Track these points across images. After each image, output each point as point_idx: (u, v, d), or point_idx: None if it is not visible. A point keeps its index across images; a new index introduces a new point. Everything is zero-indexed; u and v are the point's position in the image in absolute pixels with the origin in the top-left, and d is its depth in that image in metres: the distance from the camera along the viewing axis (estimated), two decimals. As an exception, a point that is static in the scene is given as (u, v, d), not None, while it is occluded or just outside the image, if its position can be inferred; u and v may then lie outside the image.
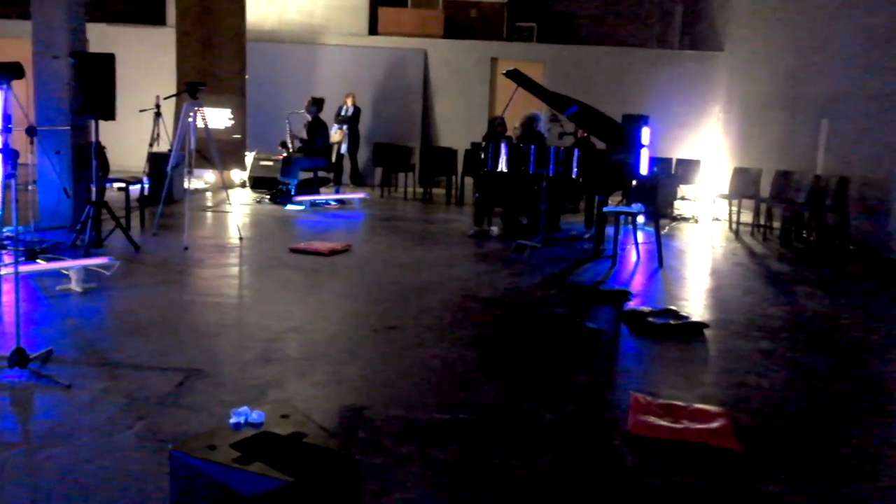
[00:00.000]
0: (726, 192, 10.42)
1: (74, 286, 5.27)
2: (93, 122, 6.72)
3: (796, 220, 9.14)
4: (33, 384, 3.53)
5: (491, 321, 5.13)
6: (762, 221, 9.62)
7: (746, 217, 10.04)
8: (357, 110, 12.89)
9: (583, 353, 4.46)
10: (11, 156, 3.67)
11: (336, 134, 12.60)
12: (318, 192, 11.01)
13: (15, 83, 4.40)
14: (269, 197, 10.92)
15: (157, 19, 14.24)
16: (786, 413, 3.67)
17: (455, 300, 5.59)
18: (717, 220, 10.42)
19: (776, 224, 9.57)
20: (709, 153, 13.52)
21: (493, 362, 4.25)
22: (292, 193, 10.59)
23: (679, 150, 13.10)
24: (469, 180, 11.70)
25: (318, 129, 10.97)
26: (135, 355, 4.02)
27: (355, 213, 10.24)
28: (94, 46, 9.08)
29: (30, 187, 7.59)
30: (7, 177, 3.77)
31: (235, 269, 6.49)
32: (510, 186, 8.57)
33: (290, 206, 10.32)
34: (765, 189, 9.98)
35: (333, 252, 7.06)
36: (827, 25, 9.92)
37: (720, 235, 9.50)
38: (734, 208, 9.97)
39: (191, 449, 2.16)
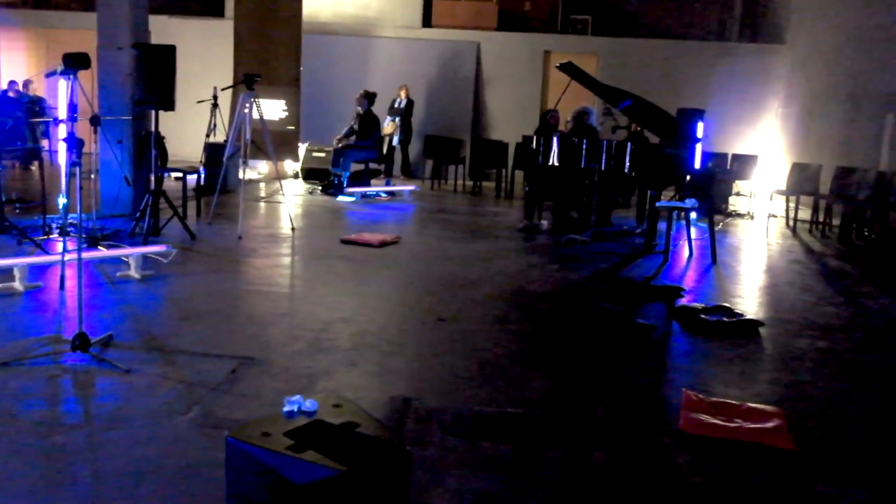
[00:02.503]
0: (783, 188, 10.18)
1: (133, 273, 5.41)
2: (153, 112, 6.88)
3: (857, 218, 8.88)
4: (94, 368, 3.64)
5: (540, 315, 5.11)
6: (821, 218, 9.37)
7: (804, 214, 9.79)
8: (410, 102, 12.93)
9: (633, 350, 4.42)
10: (76, 144, 3.77)
11: (388, 126, 12.67)
12: (369, 184, 11.09)
13: (80, 73, 4.54)
14: (320, 188, 11.03)
15: (217, 11, 14.48)
16: (843, 414, 3.58)
17: (504, 294, 5.59)
18: (773, 216, 10.18)
19: (835, 221, 9.31)
20: (766, 148, 13.21)
21: (543, 357, 4.24)
22: (344, 185, 10.69)
23: (736, 146, 12.81)
24: (519, 174, 11.64)
25: (369, 122, 11.05)
26: (190, 342, 4.11)
27: (405, 205, 10.29)
28: (156, 38, 9.28)
29: (92, 176, 7.79)
30: (71, 164, 3.88)
31: (287, 259, 6.58)
32: (561, 180, 8.51)
33: (341, 198, 10.41)
34: (824, 185, 9.72)
35: (383, 244, 7.11)
36: (894, 18, 9.58)
37: (776, 232, 9.29)
38: (791, 205, 9.73)
39: (246, 435, 2.20)
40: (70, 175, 4.33)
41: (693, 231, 7.74)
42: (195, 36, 13.54)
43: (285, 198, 9.41)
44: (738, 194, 11.42)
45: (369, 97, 11.08)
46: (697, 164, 7.65)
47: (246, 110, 7.63)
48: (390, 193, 10.89)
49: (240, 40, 12.14)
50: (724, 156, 11.61)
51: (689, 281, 6.37)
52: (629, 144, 7.65)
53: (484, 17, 14.21)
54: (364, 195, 10.60)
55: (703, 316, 4.92)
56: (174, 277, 5.54)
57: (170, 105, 6.78)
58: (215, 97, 10.26)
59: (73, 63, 4.41)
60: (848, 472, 2.96)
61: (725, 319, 4.89)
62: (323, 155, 11.97)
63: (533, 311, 5.22)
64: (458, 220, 9.12)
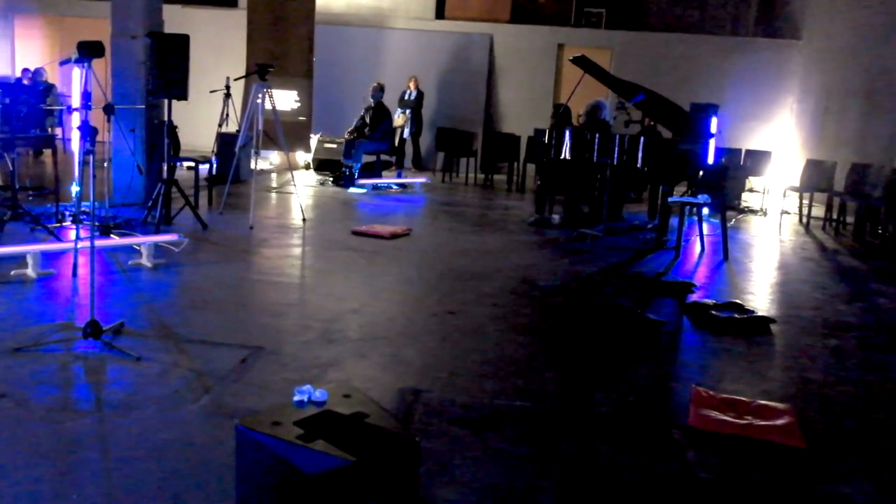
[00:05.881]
0: (797, 184, 10.11)
1: (145, 261, 5.44)
2: (166, 102, 6.89)
3: (872, 215, 8.82)
4: (105, 355, 3.66)
5: (550, 309, 5.10)
6: (835, 216, 9.30)
7: (818, 211, 9.73)
8: (420, 94, 12.90)
9: (643, 345, 4.41)
10: (90, 132, 3.78)
11: (399, 118, 12.66)
12: (380, 176, 11.09)
13: (94, 62, 4.55)
14: (332, 179, 11.04)
15: (230, 1, 14.48)
16: (855, 413, 3.56)
17: (514, 287, 5.58)
18: (786, 213, 10.12)
19: (849, 219, 9.24)
20: (780, 145, 13.13)
21: (552, 351, 4.23)
22: (355, 176, 10.69)
23: (749, 141, 12.75)
24: (531, 167, 11.61)
25: (381, 114, 11.04)
26: (201, 330, 4.13)
27: (416, 197, 10.28)
28: (170, 27, 9.29)
29: (105, 164, 7.82)
30: (85, 152, 3.89)
31: (298, 250, 6.59)
32: (573, 174, 8.48)
33: (352, 189, 10.42)
34: (838, 182, 9.65)
35: (394, 236, 7.11)
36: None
37: (789, 229, 9.24)
38: (805, 202, 9.67)
39: (256, 424, 2.20)
40: (84, 163, 4.35)
41: (705, 227, 7.70)
42: (208, 26, 13.55)
43: (296, 188, 9.43)
44: (751, 190, 11.37)
45: (382, 89, 11.08)
46: (710, 160, 7.61)
47: (258, 100, 7.64)
48: (401, 185, 10.89)
49: (253, 30, 12.15)
50: (738, 151, 11.55)
51: (700, 277, 6.34)
52: (642, 139, 7.61)
53: (497, 9, 14.16)
54: (375, 187, 10.61)
55: (713, 312, 4.90)
56: (185, 266, 5.56)
57: (183, 94, 6.79)
58: (228, 87, 10.25)
59: (88, 51, 4.42)
60: (859, 471, 2.94)
61: (736, 316, 4.86)
62: (334, 146, 11.98)
63: (543, 304, 5.21)
64: (469, 213, 9.11)
